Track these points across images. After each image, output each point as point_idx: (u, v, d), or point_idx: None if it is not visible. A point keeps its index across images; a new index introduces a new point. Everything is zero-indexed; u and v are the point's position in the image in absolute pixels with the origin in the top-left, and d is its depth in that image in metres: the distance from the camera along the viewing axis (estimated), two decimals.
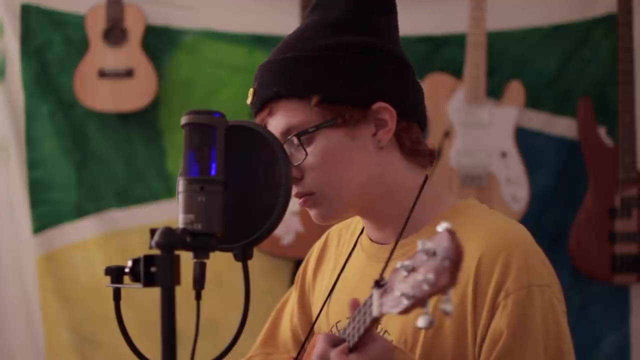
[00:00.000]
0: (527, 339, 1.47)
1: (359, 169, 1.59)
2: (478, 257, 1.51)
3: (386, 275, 1.42)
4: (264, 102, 1.58)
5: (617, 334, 3.88)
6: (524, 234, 1.56)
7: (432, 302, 1.22)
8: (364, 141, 1.58)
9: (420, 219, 1.61)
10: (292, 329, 1.84)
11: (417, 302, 1.21)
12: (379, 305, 1.29)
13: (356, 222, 1.79)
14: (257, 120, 1.60)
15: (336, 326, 1.68)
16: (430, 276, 1.18)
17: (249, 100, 1.61)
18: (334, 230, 1.84)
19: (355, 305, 1.40)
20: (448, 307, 1.18)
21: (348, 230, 1.80)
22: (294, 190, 1.57)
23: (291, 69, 1.57)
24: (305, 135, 1.56)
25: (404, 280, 1.24)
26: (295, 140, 1.56)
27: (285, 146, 1.54)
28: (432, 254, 1.20)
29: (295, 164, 1.56)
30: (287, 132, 1.56)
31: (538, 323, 1.48)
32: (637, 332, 3.89)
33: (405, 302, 1.23)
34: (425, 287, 1.19)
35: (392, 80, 1.60)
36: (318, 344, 1.40)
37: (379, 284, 1.30)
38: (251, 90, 1.60)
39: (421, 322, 1.20)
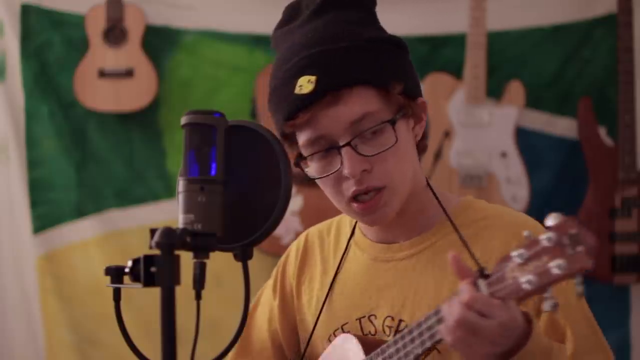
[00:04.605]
0: (585, 308, 1.56)
1: (413, 162, 1.60)
2: (514, 246, 1.53)
3: (405, 274, 1.46)
4: (334, 89, 1.50)
5: (617, 334, 3.88)
6: (535, 221, 1.60)
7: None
8: (411, 134, 1.59)
9: (431, 217, 1.63)
10: (270, 334, 1.79)
11: (541, 287, 1.27)
12: (490, 294, 1.32)
13: (337, 224, 1.77)
14: (315, 110, 1.51)
15: (342, 328, 1.66)
16: (561, 262, 1.24)
17: (308, 89, 1.51)
18: (312, 233, 1.80)
19: (456, 260, 1.37)
20: (581, 289, 1.26)
21: (330, 233, 1.77)
22: (361, 184, 1.54)
23: (369, 55, 1.53)
24: (396, 121, 1.53)
25: (520, 268, 1.29)
26: (379, 128, 1.52)
27: (356, 139, 1.51)
28: (555, 242, 1.25)
29: (369, 154, 1.53)
30: (358, 121, 1.52)
31: (583, 302, 1.56)
32: (637, 332, 3.89)
33: (528, 288, 1.28)
34: (557, 271, 1.25)
35: (417, 76, 1.63)
36: (462, 290, 1.35)
37: (483, 274, 1.34)
38: (312, 78, 1.51)
39: (548, 306, 1.27)
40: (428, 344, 1.42)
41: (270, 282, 1.83)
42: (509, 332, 1.33)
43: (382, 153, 1.53)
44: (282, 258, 1.82)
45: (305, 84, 1.51)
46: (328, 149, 1.54)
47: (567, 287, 1.48)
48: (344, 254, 1.72)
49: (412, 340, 1.44)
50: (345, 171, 1.53)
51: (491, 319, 1.32)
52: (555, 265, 1.25)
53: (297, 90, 1.52)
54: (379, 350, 1.53)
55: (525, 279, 1.28)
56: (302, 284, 1.77)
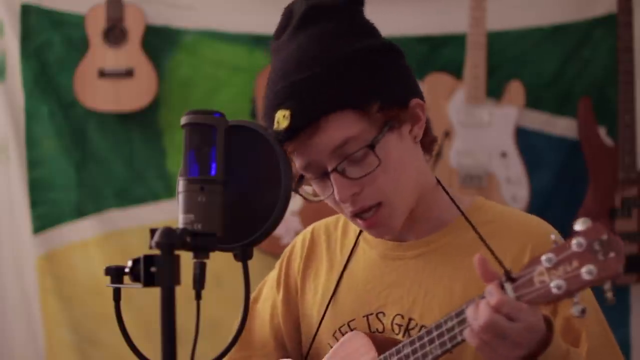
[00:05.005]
0: (600, 315, 1.56)
1: (411, 169, 1.58)
2: (530, 248, 1.55)
3: (414, 272, 1.46)
4: (312, 120, 1.50)
5: (617, 334, 3.84)
6: (548, 224, 1.61)
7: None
8: (407, 140, 1.58)
9: (442, 217, 1.62)
10: (272, 329, 1.78)
11: (571, 292, 1.28)
12: (516, 298, 1.33)
13: (344, 219, 1.75)
14: (297, 142, 1.51)
15: (348, 325, 1.66)
16: (592, 267, 1.25)
17: (284, 125, 1.51)
18: (318, 227, 1.79)
19: (482, 262, 1.37)
20: (610, 295, 1.26)
21: (337, 227, 1.76)
22: (355, 206, 1.55)
23: (339, 80, 1.51)
24: (377, 143, 1.51)
25: (548, 272, 1.29)
26: (362, 152, 1.51)
27: (344, 162, 1.51)
28: (585, 247, 1.26)
29: (357, 177, 1.52)
30: (340, 147, 1.51)
31: (596, 303, 1.55)
32: (637, 332, 3.89)
33: (557, 292, 1.28)
34: (588, 277, 1.25)
35: (411, 74, 1.62)
36: (489, 293, 1.35)
37: (509, 277, 1.34)
38: (286, 113, 1.51)
39: (576, 311, 1.28)
40: (448, 346, 1.42)
41: (273, 275, 1.82)
42: (533, 335, 1.35)
43: (371, 174, 1.53)
44: (286, 251, 1.81)
45: (281, 120, 1.52)
46: (320, 174, 1.55)
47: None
48: (352, 249, 1.71)
49: (432, 341, 1.44)
50: (336, 197, 1.54)
51: (518, 322, 1.33)
52: (586, 271, 1.26)
53: (275, 127, 1.52)
54: (393, 350, 1.53)
55: (555, 284, 1.28)
56: (307, 278, 1.76)
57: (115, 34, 3.82)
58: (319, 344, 1.71)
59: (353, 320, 1.66)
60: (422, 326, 1.57)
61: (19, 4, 3.87)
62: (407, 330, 1.59)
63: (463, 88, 3.77)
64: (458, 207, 1.62)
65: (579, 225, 1.27)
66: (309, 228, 1.81)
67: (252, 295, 1.84)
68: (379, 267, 1.66)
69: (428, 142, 1.63)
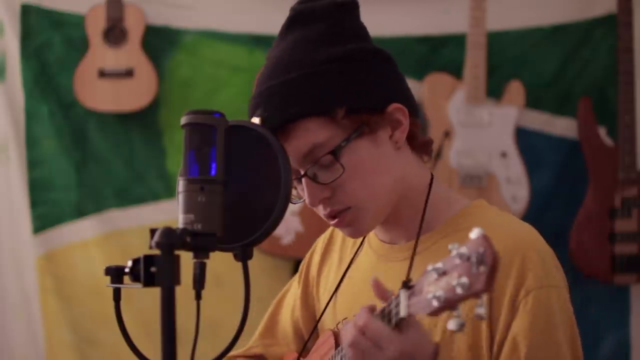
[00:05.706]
0: (554, 335, 1.49)
1: (387, 174, 1.58)
2: (518, 261, 1.51)
3: (400, 275, 1.46)
4: (279, 126, 1.52)
5: (617, 334, 3.88)
6: (537, 236, 1.57)
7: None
8: (384, 145, 1.58)
9: (432, 220, 1.62)
10: (292, 322, 1.83)
11: (449, 305, 1.23)
12: (407, 306, 1.31)
13: None
14: None
15: (342, 322, 1.68)
16: (465, 280, 1.20)
17: None
18: None
19: (378, 285, 1.39)
20: (482, 311, 1.20)
21: None
22: (326, 210, 1.56)
23: (306, 87, 1.53)
24: (340, 150, 1.52)
25: (435, 282, 1.25)
26: (327, 158, 1.52)
27: (315, 167, 1.52)
28: (466, 258, 1.21)
29: (326, 182, 1.53)
30: (310, 153, 1.53)
31: (559, 321, 1.50)
32: (637, 332, 3.89)
33: (436, 304, 1.24)
34: (459, 290, 1.20)
35: (394, 79, 1.61)
36: (359, 315, 1.37)
37: (407, 285, 1.31)
38: (258, 120, 1.53)
39: (452, 324, 1.23)
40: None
41: (299, 270, 1.87)
42: None
43: (338, 179, 1.53)
44: (312, 248, 1.86)
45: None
46: (296, 178, 1.57)
47: (539, 304, 1.48)
48: (358, 249, 1.74)
49: None
50: (306, 201, 1.56)
51: (381, 347, 1.34)
52: (459, 284, 1.20)
53: None
54: (336, 351, 1.57)
55: (434, 295, 1.24)
56: (322, 274, 1.80)
57: (115, 34, 3.82)
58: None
59: (346, 318, 1.68)
60: None
61: (19, 4, 3.86)
62: None
63: (463, 88, 3.77)
64: (422, 218, 1.60)
65: (472, 234, 1.22)
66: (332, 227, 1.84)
67: (285, 287, 1.90)
68: (373, 268, 1.68)
69: (419, 145, 1.63)
